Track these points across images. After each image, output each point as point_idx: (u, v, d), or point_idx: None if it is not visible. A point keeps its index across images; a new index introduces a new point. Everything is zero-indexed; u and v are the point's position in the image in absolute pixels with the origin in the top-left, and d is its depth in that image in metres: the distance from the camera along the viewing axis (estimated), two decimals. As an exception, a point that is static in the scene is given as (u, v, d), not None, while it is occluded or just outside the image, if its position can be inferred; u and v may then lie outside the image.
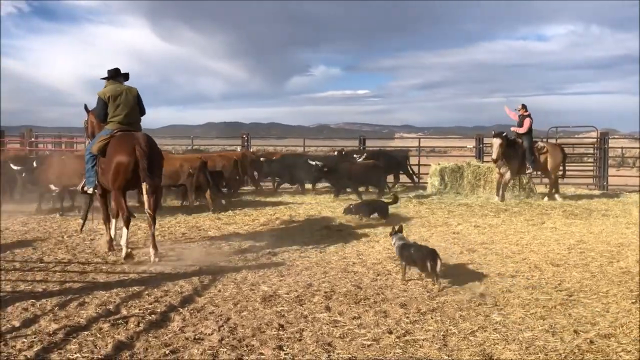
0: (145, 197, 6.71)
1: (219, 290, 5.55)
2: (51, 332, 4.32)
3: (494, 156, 12.58)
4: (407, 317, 4.75)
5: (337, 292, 5.49)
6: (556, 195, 13.16)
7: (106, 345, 4.08)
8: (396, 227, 6.44)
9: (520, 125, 13.14)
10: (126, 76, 7.35)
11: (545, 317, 4.78)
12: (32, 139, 18.11)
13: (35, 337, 4.21)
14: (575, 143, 20.71)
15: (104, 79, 7.28)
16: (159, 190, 7.15)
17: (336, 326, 4.53)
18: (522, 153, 12.89)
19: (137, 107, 7.23)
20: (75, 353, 3.94)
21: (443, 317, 4.77)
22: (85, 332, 4.34)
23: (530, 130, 13.13)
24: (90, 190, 7.41)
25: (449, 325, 4.56)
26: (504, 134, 12.73)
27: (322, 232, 8.82)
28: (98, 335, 4.29)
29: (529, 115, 13.11)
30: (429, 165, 15.47)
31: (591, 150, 18.79)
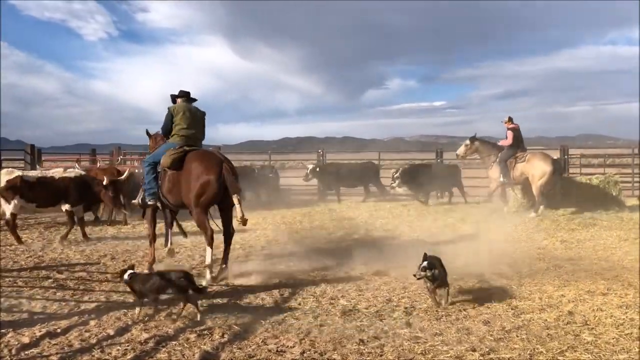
0: (237, 208, 6.57)
1: (299, 304, 5.63)
2: (142, 341, 4.53)
3: (458, 151, 13.85)
4: (491, 335, 4.61)
5: (418, 307, 5.42)
6: (535, 211, 12.23)
7: (193, 355, 4.23)
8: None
9: (506, 137, 13.00)
10: (194, 100, 7.48)
11: (642, 338, 4.50)
12: (121, 157, 19.14)
13: (128, 345, 4.44)
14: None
15: (175, 96, 7.47)
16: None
17: (417, 342, 4.46)
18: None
19: (202, 128, 7.37)
20: (165, 362, 4.12)
21: (529, 335, 4.60)
22: (174, 342, 4.51)
23: (514, 142, 12.83)
24: (151, 202, 7.23)
25: (536, 344, 4.38)
26: (475, 138, 13.38)
27: (400, 247, 8.73)
28: (185, 345, 4.46)
29: (512, 128, 12.83)
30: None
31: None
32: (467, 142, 13.44)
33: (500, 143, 13.12)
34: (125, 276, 5.22)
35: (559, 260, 7.55)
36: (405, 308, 5.39)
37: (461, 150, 13.61)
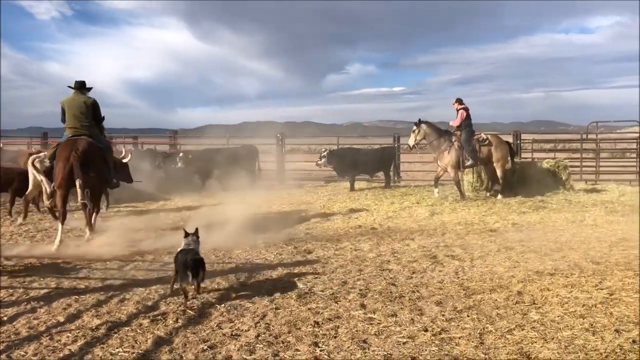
0: (78, 191, 7.49)
1: (255, 287, 5.62)
2: (94, 327, 4.45)
3: (409, 142, 13.23)
4: (443, 315, 4.72)
5: (372, 289, 5.49)
6: (502, 194, 12.65)
7: (146, 341, 4.18)
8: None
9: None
10: (89, 89, 8.22)
11: (585, 315, 4.68)
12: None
13: (78, 332, 4.35)
14: (617, 138, 20.17)
15: (70, 87, 8.12)
16: (94, 186, 7.87)
17: (371, 323, 4.53)
18: (459, 145, 12.75)
19: (90, 116, 8.05)
20: (117, 348, 4.05)
21: (479, 315, 4.72)
22: (126, 328, 4.45)
23: (468, 123, 12.80)
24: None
25: (486, 324, 4.51)
26: (420, 121, 13.01)
27: (357, 230, 8.83)
28: (138, 330, 4.40)
29: (463, 108, 12.81)
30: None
31: (634, 146, 18.26)
32: (414, 127, 13.05)
33: (450, 124, 12.99)
34: None
35: (509, 242, 7.76)
36: (360, 290, 5.45)
37: (411, 140, 13.13)
